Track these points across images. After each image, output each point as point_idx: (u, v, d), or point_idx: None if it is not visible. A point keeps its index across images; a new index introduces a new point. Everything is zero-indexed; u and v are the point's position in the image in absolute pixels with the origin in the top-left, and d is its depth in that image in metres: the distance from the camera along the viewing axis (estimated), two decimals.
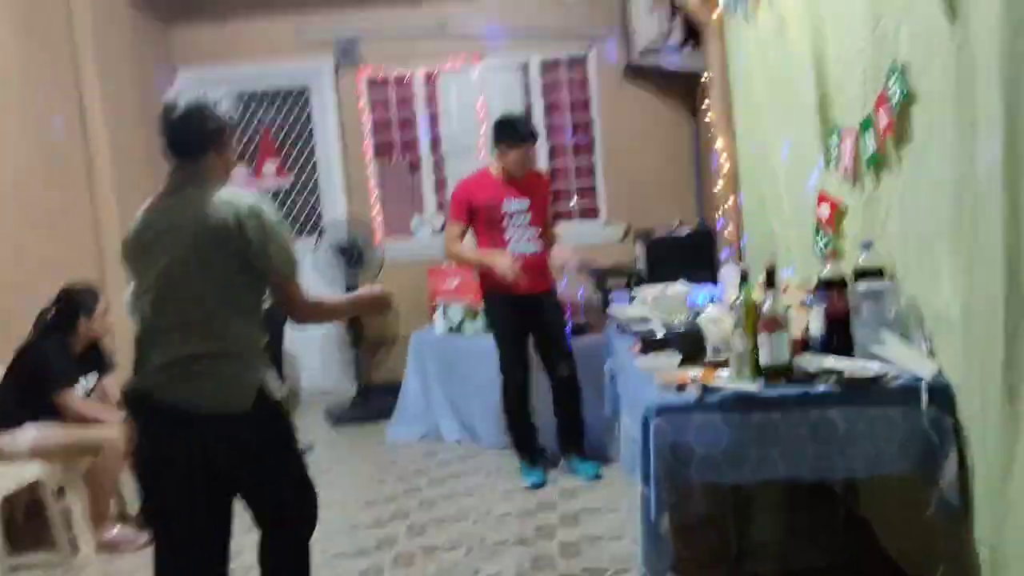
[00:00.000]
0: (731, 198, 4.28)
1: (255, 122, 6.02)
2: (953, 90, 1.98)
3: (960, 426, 2.11)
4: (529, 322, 4.00)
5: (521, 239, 3.94)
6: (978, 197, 1.89)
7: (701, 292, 3.27)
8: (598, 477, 3.94)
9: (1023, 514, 1.86)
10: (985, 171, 1.85)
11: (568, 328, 4.19)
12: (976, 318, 1.98)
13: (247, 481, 2.21)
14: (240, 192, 2.18)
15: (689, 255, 4.69)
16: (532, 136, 3.96)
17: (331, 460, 4.61)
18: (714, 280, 3.76)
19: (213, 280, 2.11)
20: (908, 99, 2.22)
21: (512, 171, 3.91)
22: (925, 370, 2.16)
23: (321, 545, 3.45)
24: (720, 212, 4.43)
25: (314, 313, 2.32)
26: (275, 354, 4.72)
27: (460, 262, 4.17)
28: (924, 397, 2.11)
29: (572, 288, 4.44)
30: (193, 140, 2.19)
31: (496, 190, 3.93)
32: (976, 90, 1.87)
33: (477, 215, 3.94)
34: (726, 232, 4.37)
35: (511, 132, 3.91)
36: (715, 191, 4.52)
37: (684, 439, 2.18)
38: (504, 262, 3.81)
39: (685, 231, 5.06)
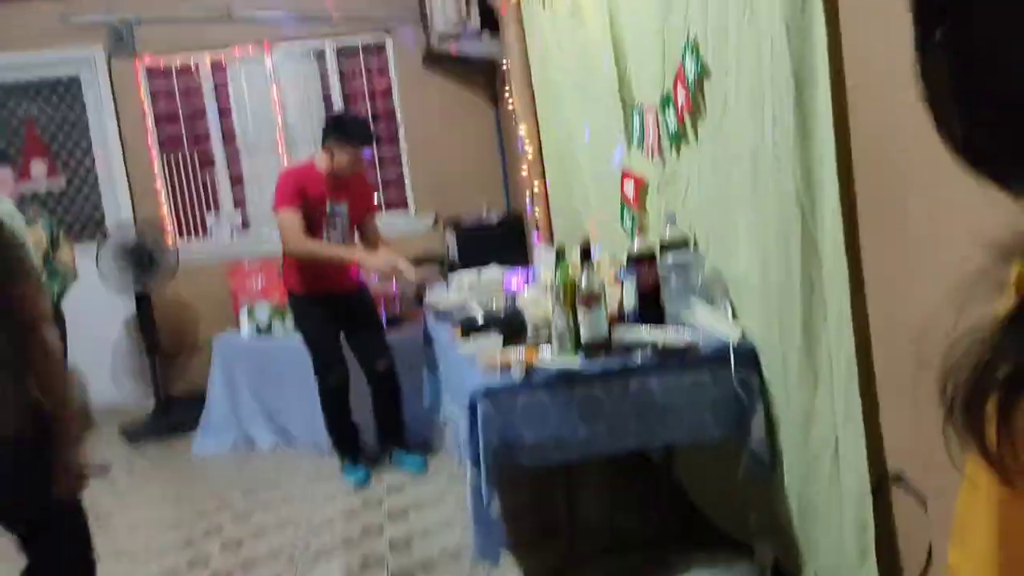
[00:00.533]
0: (537, 182, 4.33)
1: (19, 117, 5.42)
2: (744, 64, 2.07)
3: (766, 384, 2.23)
4: (341, 320, 3.86)
5: (336, 239, 3.79)
6: (772, 165, 1.99)
7: (515, 275, 3.28)
8: (424, 469, 3.87)
9: (825, 463, 1.99)
10: (776, 140, 1.95)
11: (383, 321, 4.08)
12: (774, 280, 2.09)
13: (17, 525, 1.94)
14: None
15: (500, 240, 4.73)
16: (367, 138, 3.80)
17: (131, 481, 4.24)
18: (526, 263, 3.79)
19: None
20: (702, 75, 2.31)
21: (340, 171, 3.72)
22: (731, 333, 2.27)
23: (126, 571, 3.17)
24: (528, 196, 4.48)
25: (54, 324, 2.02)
26: None
27: (312, 256, 3.68)
28: (732, 359, 2.21)
29: (385, 281, 4.32)
30: None
31: (321, 187, 3.72)
32: (764, 63, 1.96)
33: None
34: (535, 215, 4.43)
35: (345, 131, 3.69)
36: (521, 175, 4.57)
37: (511, 420, 2.17)
38: (383, 261, 3.64)
39: (494, 217, 5.08)
